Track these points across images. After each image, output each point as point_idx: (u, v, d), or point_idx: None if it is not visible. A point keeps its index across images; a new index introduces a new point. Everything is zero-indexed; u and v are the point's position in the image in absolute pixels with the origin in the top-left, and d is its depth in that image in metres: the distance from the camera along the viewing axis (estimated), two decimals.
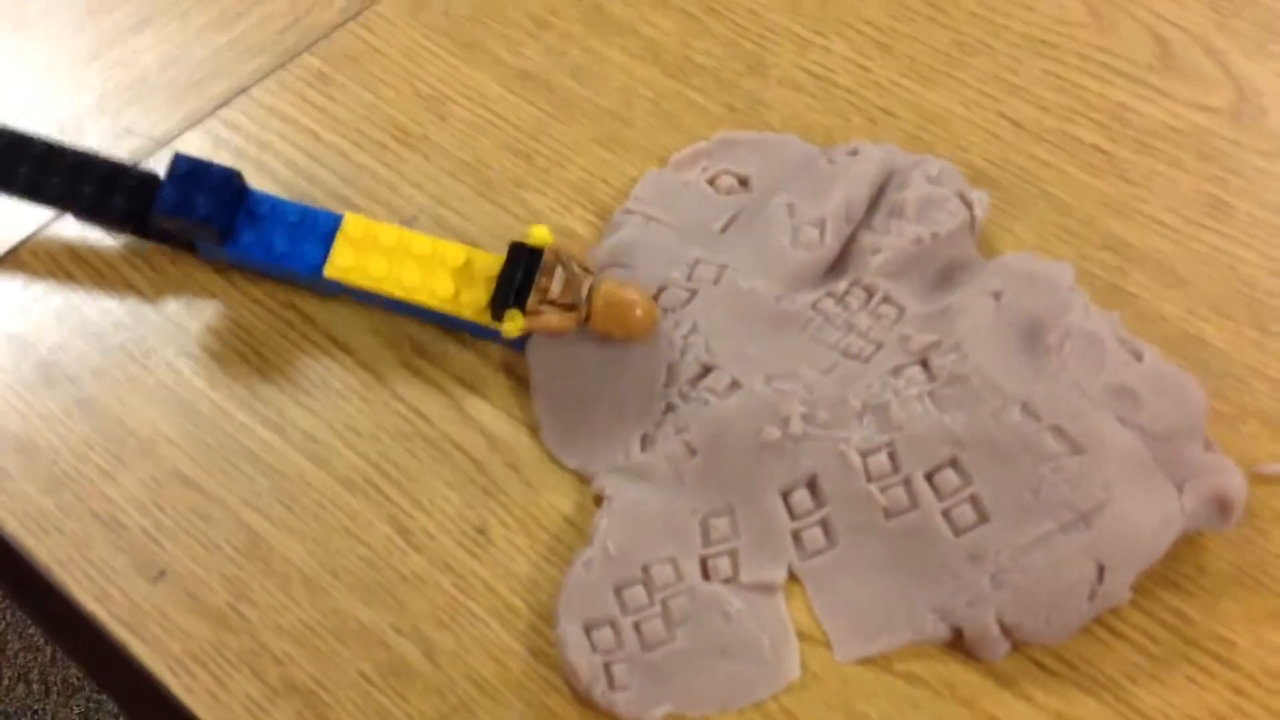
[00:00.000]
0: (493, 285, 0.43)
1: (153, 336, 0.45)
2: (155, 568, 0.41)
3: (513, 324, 0.43)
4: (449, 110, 0.52)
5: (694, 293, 0.45)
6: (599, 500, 0.42)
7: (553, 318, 0.43)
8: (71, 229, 0.47)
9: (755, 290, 0.45)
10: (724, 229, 0.48)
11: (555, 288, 0.43)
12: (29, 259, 0.47)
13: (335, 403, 0.44)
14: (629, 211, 0.48)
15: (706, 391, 0.43)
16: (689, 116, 0.52)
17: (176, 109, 0.52)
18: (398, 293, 0.44)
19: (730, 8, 0.55)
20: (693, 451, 0.42)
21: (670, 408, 0.43)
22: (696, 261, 0.46)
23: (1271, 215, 0.50)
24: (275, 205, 0.45)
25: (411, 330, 0.46)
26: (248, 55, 0.53)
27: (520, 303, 0.42)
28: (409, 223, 0.48)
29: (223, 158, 0.50)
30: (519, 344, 0.45)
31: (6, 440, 0.43)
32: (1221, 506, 0.41)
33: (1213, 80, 0.54)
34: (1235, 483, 0.41)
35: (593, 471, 0.43)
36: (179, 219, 0.44)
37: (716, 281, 0.45)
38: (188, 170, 0.44)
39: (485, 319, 0.44)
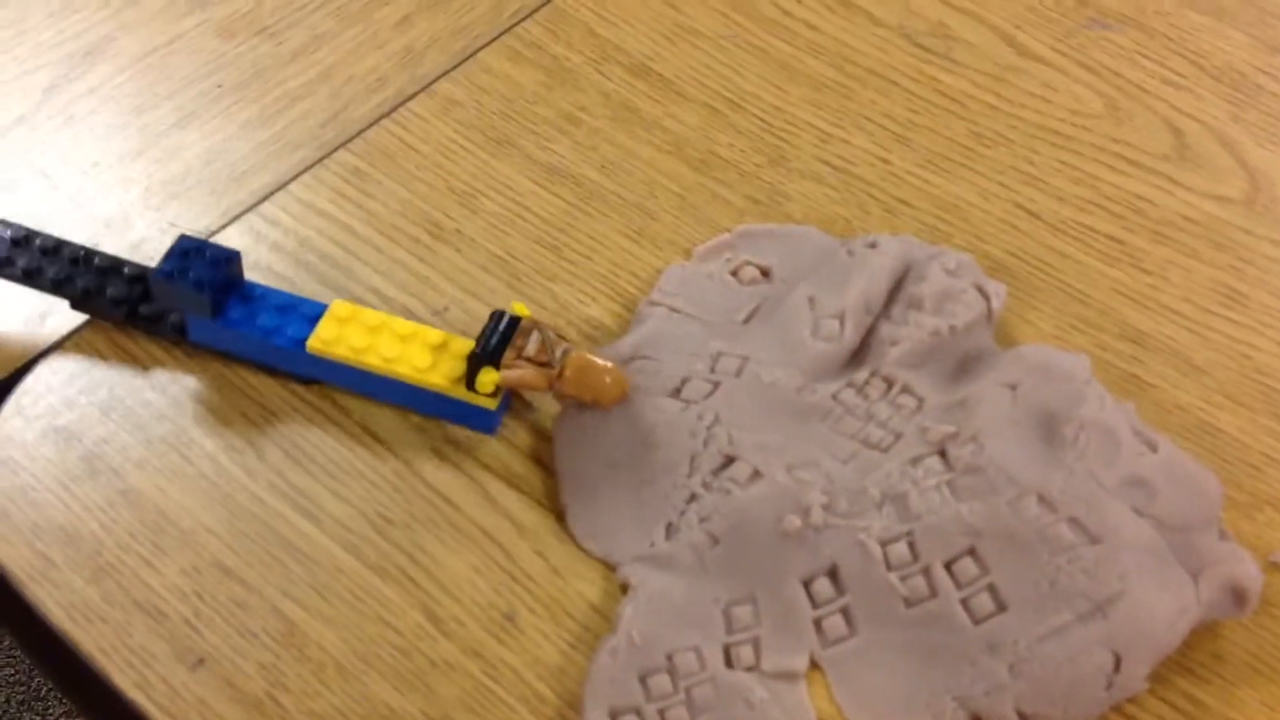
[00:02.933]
0: (466, 363, 0.45)
1: (193, 428, 0.47)
2: (194, 656, 0.42)
3: (487, 379, 0.44)
4: (480, 204, 0.53)
5: (717, 385, 0.46)
6: (624, 588, 0.43)
7: (526, 373, 0.44)
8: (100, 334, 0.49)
9: (777, 382, 0.46)
10: (747, 320, 0.49)
11: (531, 348, 0.45)
12: (74, 352, 0.49)
13: (369, 491, 0.45)
14: (654, 303, 0.50)
15: (729, 482, 0.44)
16: (712, 209, 0.53)
17: (218, 203, 0.54)
18: (376, 363, 0.45)
19: (753, 102, 0.57)
20: (715, 541, 0.43)
21: (694, 497, 0.44)
22: (719, 354, 0.47)
23: None
24: (267, 291, 0.48)
25: (440, 419, 0.47)
26: (287, 151, 0.55)
27: (496, 363, 0.44)
28: (440, 314, 0.50)
29: (261, 252, 0.52)
30: (493, 421, 0.46)
31: (53, 531, 0.44)
32: (1237, 596, 0.42)
33: (1227, 170, 0.55)
34: (1250, 572, 0.42)
35: (618, 560, 0.44)
36: (174, 286, 0.46)
37: (739, 374, 0.46)
38: (189, 247, 0.47)
39: (460, 390, 0.45)
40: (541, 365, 0.45)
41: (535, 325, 0.45)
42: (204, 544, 0.44)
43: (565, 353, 0.45)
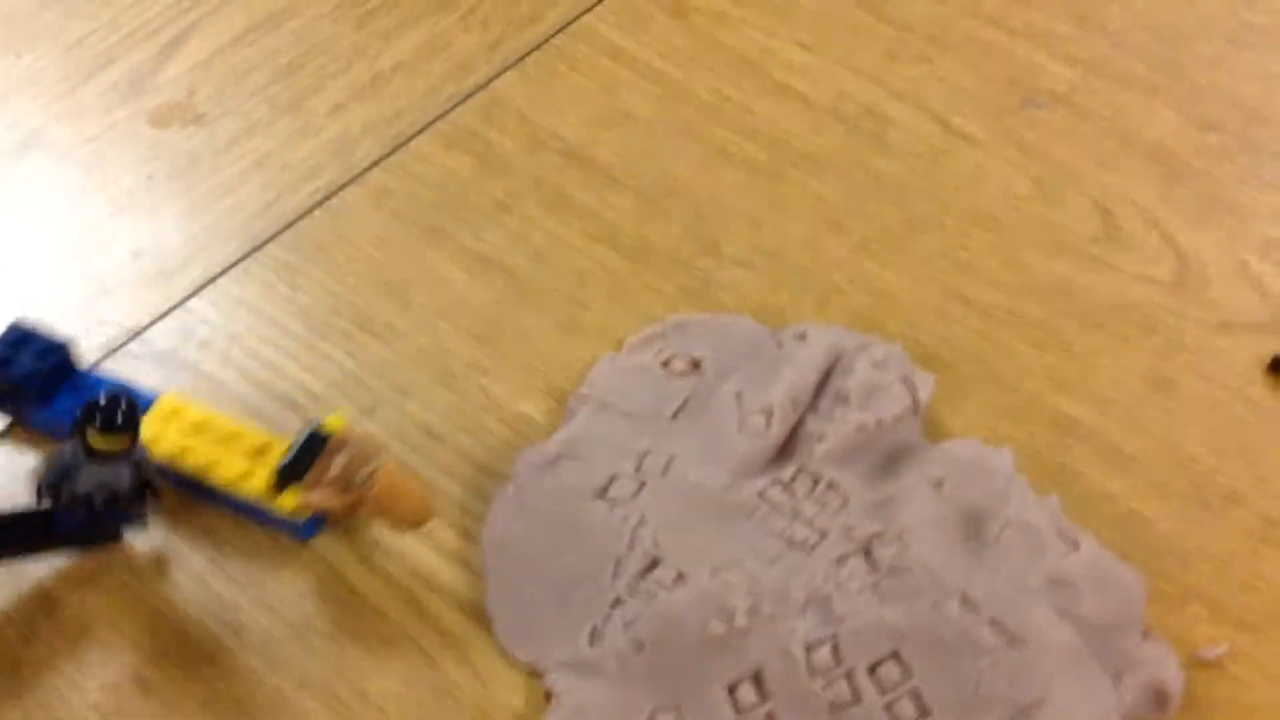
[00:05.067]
0: None
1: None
2: None
3: (289, 499, 0.44)
4: (412, 297, 0.53)
5: (643, 484, 0.46)
6: (549, 697, 0.43)
7: (327, 496, 0.44)
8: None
9: (702, 481, 0.46)
10: (675, 414, 0.49)
11: (335, 469, 0.44)
12: None
13: (295, 601, 0.45)
14: (584, 398, 0.50)
15: (654, 584, 0.44)
16: (645, 298, 0.53)
17: (148, 298, 0.53)
18: (192, 466, 0.46)
19: (687, 188, 0.57)
20: (640, 646, 0.43)
21: (619, 601, 0.44)
22: (646, 452, 0.47)
23: (1213, 390, 0.51)
24: (98, 382, 0.48)
25: (367, 523, 0.47)
26: (218, 243, 0.55)
27: (299, 481, 0.44)
28: (369, 413, 0.50)
29: (189, 350, 0.51)
30: (307, 532, 0.46)
31: None
32: (1159, 698, 0.41)
33: (1157, 251, 0.55)
34: (1172, 674, 0.42)
35: (544, 666, 0.44)
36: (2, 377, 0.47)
37: (665, 473, 0.46)
38: (19, 337, 0.48)
39: (268, 499, 0.45)
40: (346, 488, 0.44)
41: (344, 443, 0.44)
42: (124, 659, 0.44)
43: (371, 474, 0.44)
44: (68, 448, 0.43)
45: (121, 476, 0.43)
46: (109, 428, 0.42)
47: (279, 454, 0.45)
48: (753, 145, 0.59)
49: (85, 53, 0.62)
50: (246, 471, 0.46)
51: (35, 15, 0.63)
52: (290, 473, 0.44)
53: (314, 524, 0.46)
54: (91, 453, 0.42)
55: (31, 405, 0.48)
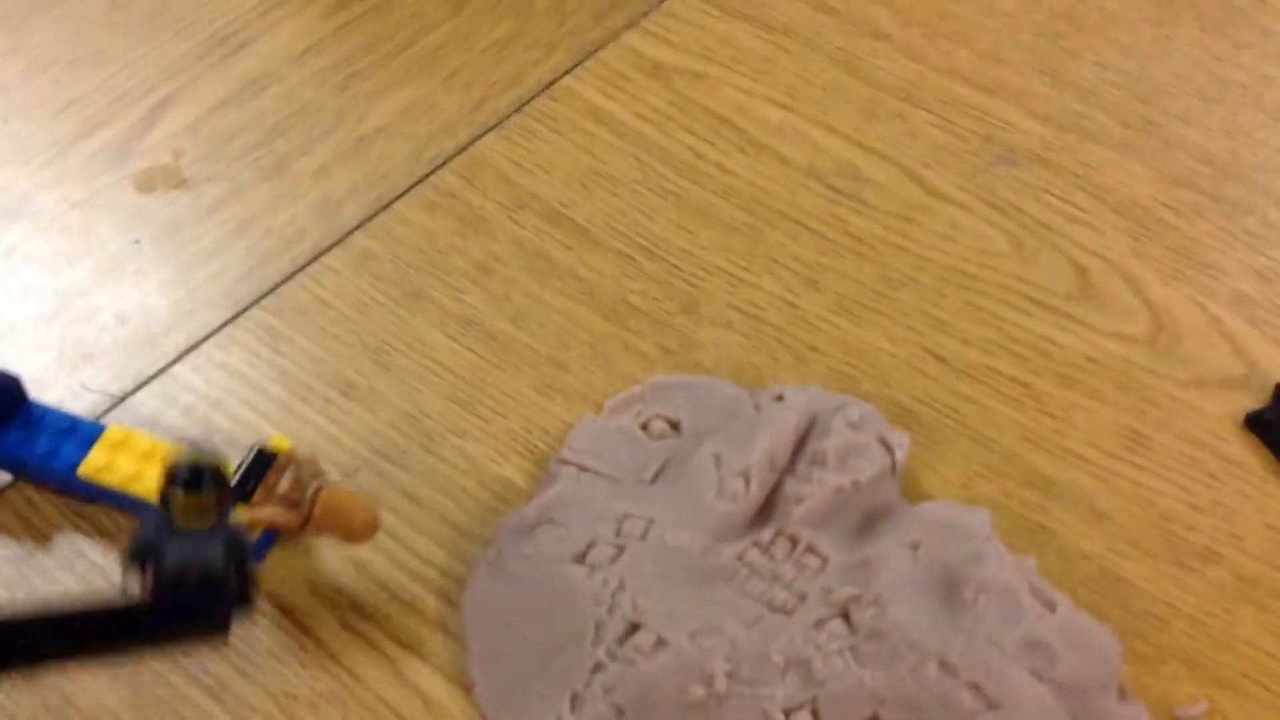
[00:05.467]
0: None
1: None
2: None
3: (237, 516, 0.45)
4: (393, 360, 0.54)
5: (622, 549, 0.46)
6: None
7: (275, 513, 0.45)
8: (20, 498, 0.49)
9: (681, 545, 0.46)
10: (654, 477, 0.49)
11: (283, 485, 0.46)
12: None
13: (274, 667, 0.45)
14: (564, 462, 0.50)
15: (634, 650, 0.44)
16: (624, 359, 0.54)
17: (132, 365, 0.54)
18: (142, 492, 0.47)
19: (665, 247, 0.58)
20: (621, 713, 0.43)
21: (599, 667, 0.44)
22: (625, 516, 0.47)
23: (1187, 446, 0.51)
24: (49, 414, 0.49)
25: (351, 589, 0.47)
26: (202, 309, 0.55)
27: (246, 500, 0.45)
28: (350, 475, 0.50)
29: (172, 416, 0.52)
30: (260, 549, 0.47)
31: None
32: None
33: (1130, 308, 0.56)
34: None
35: None
36: None
37: (644, 537, 0.47)
38: None
39: None
40: (293, 504, 0.45)
41: (290, 461, 0.46)
42: None
43: (316, 490, 0.46)
44: (152, 524, 0.38)
45: (214, 555, 0.37)
46: (194, 488, 0.36)
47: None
48: (730, 204, 0.59)
49: (71, 118, 0.62)
50: None
51: (22, 82, 0.64)
52: (237, 492, 0.45)
53: (266, 543, 0.47)
54: (177, 527, 0.37)
55: None
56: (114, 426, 0.49)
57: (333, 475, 0.50)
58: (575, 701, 0.44)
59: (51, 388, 0.53)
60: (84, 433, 0.49)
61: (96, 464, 0.48)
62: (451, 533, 0.49)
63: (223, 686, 0.45)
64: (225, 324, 0.55)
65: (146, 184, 0.60)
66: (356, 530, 0.46)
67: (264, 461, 0.46)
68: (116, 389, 0.53)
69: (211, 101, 0.64)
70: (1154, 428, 0.52)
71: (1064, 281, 0.56)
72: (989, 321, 0.55)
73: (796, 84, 0.64)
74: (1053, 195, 0.60)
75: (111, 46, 0.66)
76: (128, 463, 0.48)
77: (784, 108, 0.63)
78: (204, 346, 0.54)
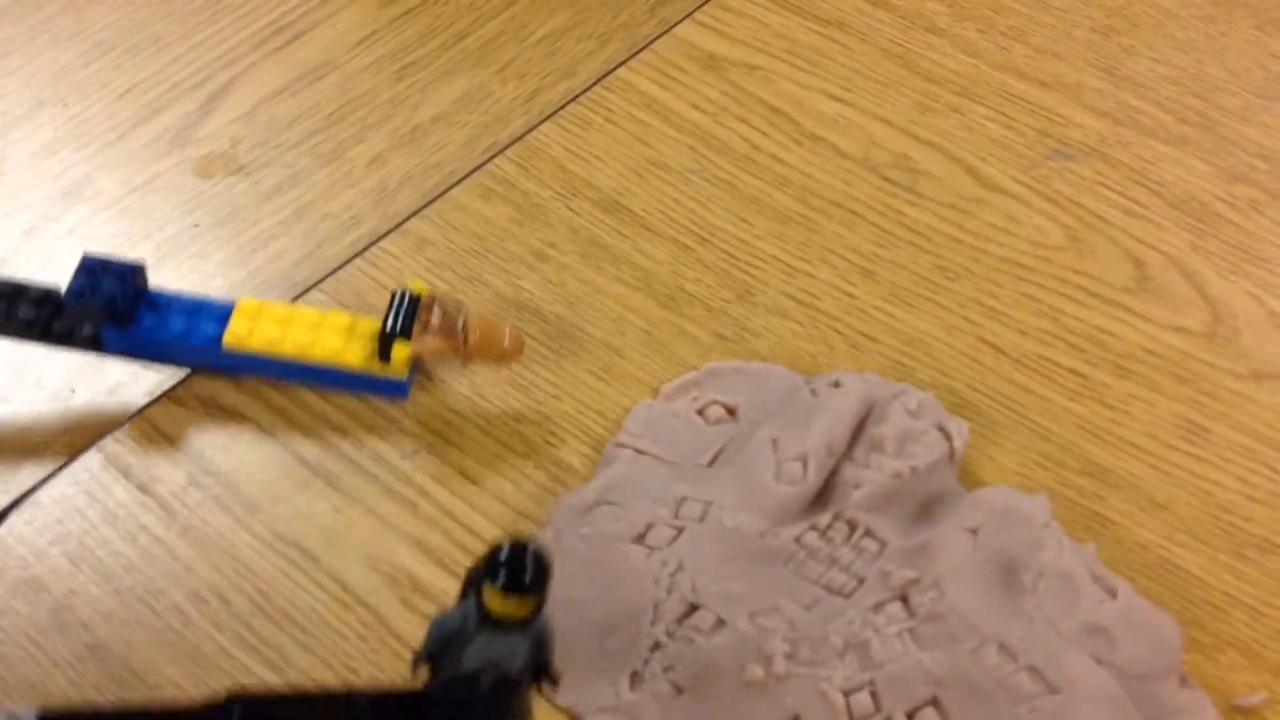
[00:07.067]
0: (375, 341, 0.50)
1: (162, 579, 0.47)
2: None
3: (400, 353, 0.49)
4: None
5: (680, 530, 0.46)
6: None
7: (436, 342, 0.49)
8: (85, 473, 0.50)
9: (740, 527, 0.46)
10: (712, 461, 0.49)
11: (435, 320, 0.49)
12: (46, 503, 0.49)
13: (335, 642, 0.46)
14: (620, 445, 0.50)
15: (692, 630, 0.44)
16: (680, 345, 0.54)
17: None
18: (290, 350, 0.50)
19: (720, 236, 0.58)
20: (679, 691, 0.43)
21: (658, 646, 0.44)
22: (683, 499, 0.47)
23: (1246, 438, 0.51)
24: (175, 297, 0.51)
25: (410, 566, 0.47)
26: (260, 291, 0.56)
27: (406, 337, 0.49)
28: (409, 457, 0.50)
29: (233, 395, 0.52)
30: (404, 388, 0.51)
31: (20, 686, 0.44)
32: None
33: (1188, 301, 0.55)
34: None
35: (583, 710, 0.44)
36: (87, 302, 0.49)
37: (702, 519, 0.47)
38: (94, 265, 0.50)
39: (373, 364, 0.50)
40: (447, 334, 0.49)
41: (435, 299, 0.50)
42: (170, 700, 0.44)
43: (466, 320, 0.49)
44: (458, 612, 0.35)
45: (517, 652, 0.34)
46: (515, 588, 0.33)
47: (368, 327, 0.50)
48: (785, 195, 0.59)
49: (131, 104, 0.63)
50: (342, 347, 0.50)
51: (82, 67, 0.65)
52: (400, 329, 0.49)
53: (410, 381, 0.51)
54: (487, 619, 0.34)
55: (115, 328, 0.50)
56: (244, 299, 0.51)
57: (391, 457, 0.50)
58: (634, 679, 0.44)
59: (111, 371, 0.54)
60: (214, 309, 0.51)
61: (240, 332, 0.50)
62: (509, 513, 0.49)
63: (285, 659, 0.45)
64: None
65: (205, 169, 0.61)
66: (508, 351, 0.50)
67: (413, 303, 0.49)
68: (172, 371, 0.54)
69: (269, 89, 0.64)
70: (1212, 419, 0.52)
71: (1121, 274, 0.56)
72: (1045, 313, 0.55)
73: (851, 77, 0.64)
74: (1109, 189, 0.59)
75: (170, 33, 0.66)
76: (269, 327, 0.50)
77: (839, 100, 0.63)
78: None
